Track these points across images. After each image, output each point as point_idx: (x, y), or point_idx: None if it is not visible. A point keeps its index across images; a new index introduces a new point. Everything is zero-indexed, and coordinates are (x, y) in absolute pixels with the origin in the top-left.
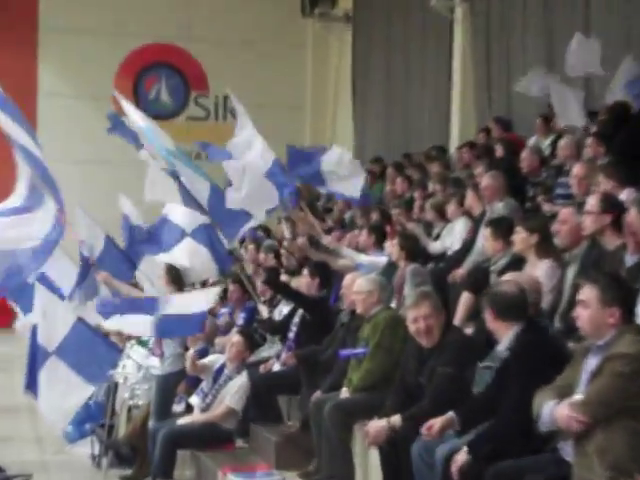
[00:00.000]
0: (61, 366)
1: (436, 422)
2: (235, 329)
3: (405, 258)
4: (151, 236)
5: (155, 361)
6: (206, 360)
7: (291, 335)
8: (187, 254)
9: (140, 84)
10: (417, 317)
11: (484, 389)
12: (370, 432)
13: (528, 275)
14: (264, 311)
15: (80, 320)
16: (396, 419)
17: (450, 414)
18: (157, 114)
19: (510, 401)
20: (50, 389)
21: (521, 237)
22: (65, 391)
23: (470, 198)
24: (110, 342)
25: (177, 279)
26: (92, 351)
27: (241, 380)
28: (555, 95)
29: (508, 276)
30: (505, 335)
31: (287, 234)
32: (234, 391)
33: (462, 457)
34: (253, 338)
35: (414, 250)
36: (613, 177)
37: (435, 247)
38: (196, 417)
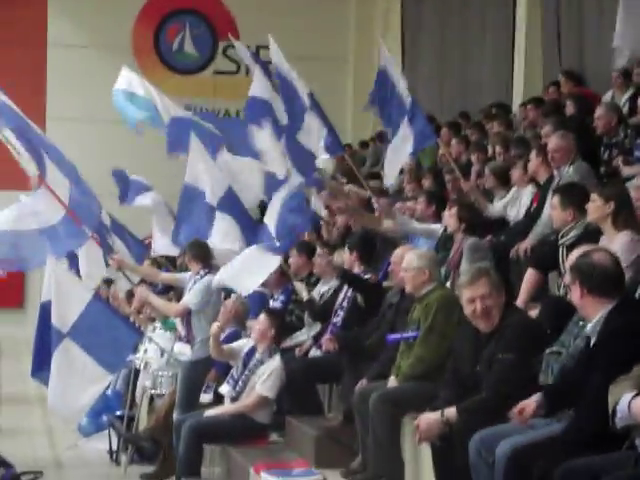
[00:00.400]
0: (76, 350)
1: (529, 404)
2: None
3: (464, 230)
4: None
5: (182, 347)
6: (234, 344)
7: (337, 320)
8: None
9: (161, 34)
10: (474, 297)
11: (567, 373)
12: (421, 426)
13: (604, 249)
14: (303, 291)
15: (96, 298)
16: (451, 412)
17: (539, 396)
18: (181, 68)
19: (598, 388)
20: (63, 377)
21: (596, 205)
22: (80, 381)
23: (534, 162)
24: (130, 323)
25: (202, 255)
26: (110, 333)
27: (273, 364)
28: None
29: (581, 249)
30: (596, 313)
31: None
32: (265, 377)
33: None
34: (280, 316)
35: (474, 221)
36: None
37: (495, 209)
38: (225, 408)
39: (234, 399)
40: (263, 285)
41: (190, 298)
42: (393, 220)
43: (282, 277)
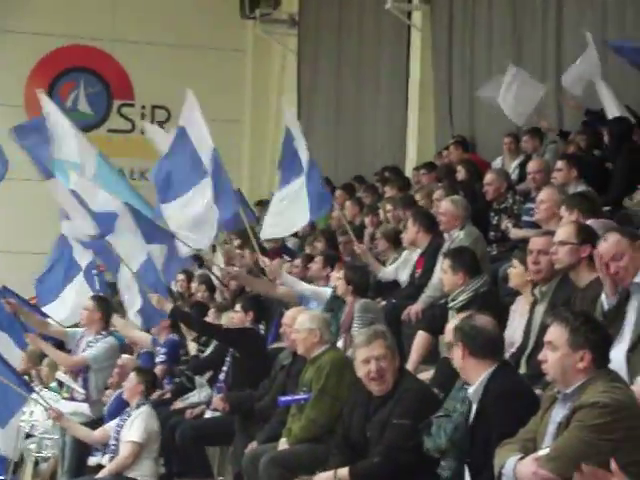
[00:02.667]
0: None
1: None
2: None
3: (352, 292)
4: None
5: (78, 406)
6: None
7: (221, 376)
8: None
9: (55, 91)
10: (369, 358)
11: (452, 440)
12: None
13: (486, 313)
14: (193, 351)
15: None
16: (343, 473)
17: None
18: (74, 126)
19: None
20: None
21: (517, 272)
22: None
23: (411, 230)
24: (21, 380)
25: (107, 314)
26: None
27: (138, 411)
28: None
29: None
30: (477, 376)
31: (222, 264)
32: (130, 424)
33: None
34: (150, 372)
35: (362, 284)
36: (577, 208)
37: (387, 273)
38: (105, 469)
39: (112, 458)
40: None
41: (93, 355)
42: (279, 280)
43: (168, 327)
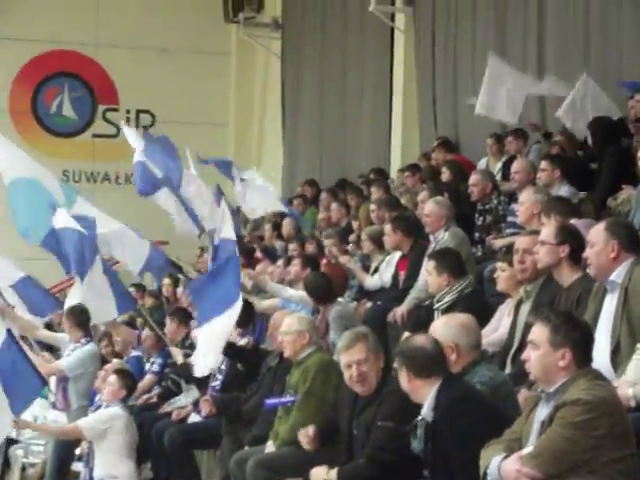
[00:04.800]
0: None
1: None
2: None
3: (317, 302)
4: None
5: (57, 415)
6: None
7: (216, 384)
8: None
9: (39, 97)
10: (350, 362)
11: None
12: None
13: (467, 316)
14: (178, 356)
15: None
16: (333, 474)
17: None
18: (59, 130)
19: (459, 461)
20: None
21: (506, 275)
22: None
23: (392, 237)
24: (36, 370)
25: (84, 322)
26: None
27: (110, 409)
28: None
29: (441, 320)
30: (425, 396)
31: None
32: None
33: None
34: (131, 376)
35: (324, 292)
36: (553, 212)
37: (372, 283)
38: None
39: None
40: (140, 349)
41: (68, 362)
42: (263, 286)
43: (158, 342)
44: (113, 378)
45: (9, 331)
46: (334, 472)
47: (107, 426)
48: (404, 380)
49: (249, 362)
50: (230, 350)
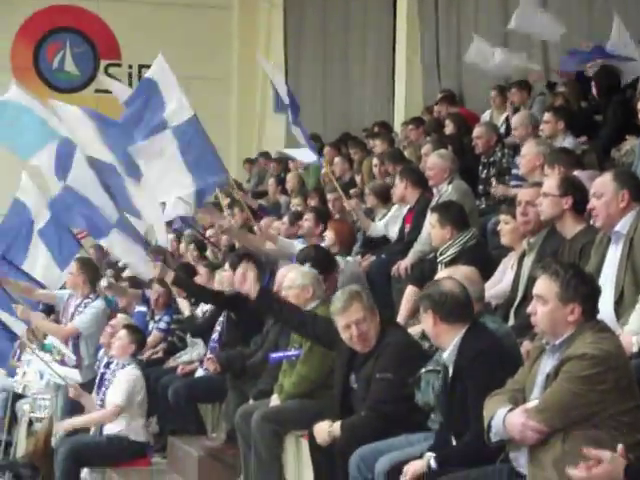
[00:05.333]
0: None
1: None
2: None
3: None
4: None
5: (69, 371)
6: None
7: (214, 336)
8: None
9: (41, 52)
10: (349, 323)
11: (439, 408)
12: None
13: (470, 269)
14: (186, 309)
15: None
16: (336, 427)
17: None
18: (61, 86)
19: (475, 413)
20: None
21: (511, 227)
22: None
23: (399, 187)
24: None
25: (95, 278)
26: None
27: (125, 372)
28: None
29: (445, 272)
30: (449, 341)
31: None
32: (115, 386)
33: (417, 467)
34: (140, 331)
35: (327, 261)
36: (558, 164)
37: (377, 229)
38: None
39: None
40: (147, 305)
41: (82, 321)
42: (274, 243)
43: (167, 298)
44: (123, 333)
45: None
46: (337, 425)
47: (137, 390)
48: (428, 323)
49: (237, 309)
50: (235, 300)
